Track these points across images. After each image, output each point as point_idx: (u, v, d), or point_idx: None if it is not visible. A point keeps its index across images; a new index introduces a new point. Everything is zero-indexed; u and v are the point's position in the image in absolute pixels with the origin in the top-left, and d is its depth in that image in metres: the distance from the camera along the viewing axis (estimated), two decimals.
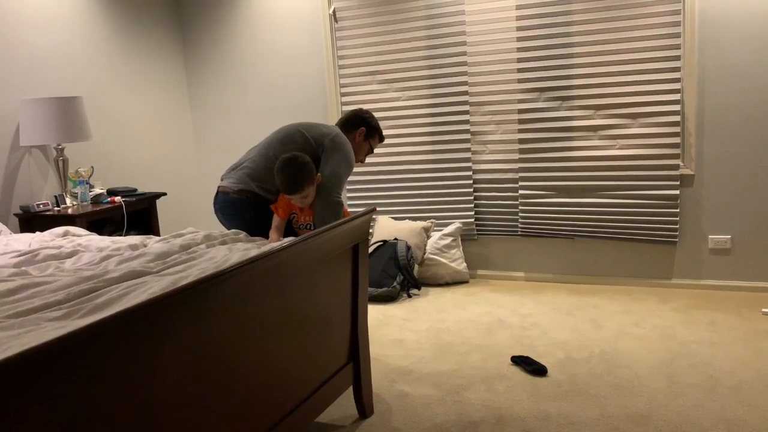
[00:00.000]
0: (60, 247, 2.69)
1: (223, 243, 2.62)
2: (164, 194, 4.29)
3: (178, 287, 1.53)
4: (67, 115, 3.76)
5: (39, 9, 4.01)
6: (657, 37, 3.89)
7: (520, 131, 4.31)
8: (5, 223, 3.81)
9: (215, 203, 3.07)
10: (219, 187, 3.08)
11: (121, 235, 4.02)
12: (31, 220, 3.77)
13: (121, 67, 4.61)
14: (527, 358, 3.09)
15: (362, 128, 3.25)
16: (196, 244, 2.58)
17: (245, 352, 1.87)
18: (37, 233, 3.05)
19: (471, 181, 4.51)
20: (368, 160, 4.70)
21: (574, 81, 4.13)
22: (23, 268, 2.34)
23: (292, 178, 2.81)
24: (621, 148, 4.09)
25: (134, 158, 4.70)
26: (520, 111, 4.29)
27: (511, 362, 3.12)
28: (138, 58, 4.76)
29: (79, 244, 2.76)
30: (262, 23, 4.89)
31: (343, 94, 4.73)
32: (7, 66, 3.81)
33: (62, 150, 3.90)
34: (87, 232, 3.11)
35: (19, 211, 3.79)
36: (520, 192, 4.37)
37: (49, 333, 1.56)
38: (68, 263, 2.42)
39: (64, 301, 1.90)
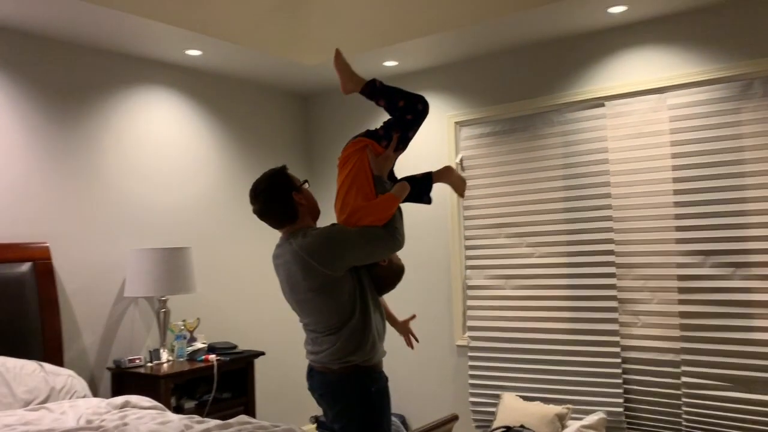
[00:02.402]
0: (99, 428, 2.36)
1: None
2: (262, 353, 3.94)
3: None
4: (172, 266, 3.62)
5: (151, 163, 4.05)
6: None
7: (681, 302, 3.48)
8: (100, 378, 3.64)
9: (314, 382, 2.46)
10: (313, 364, 2.44)
11: (209, 398, 3.69)
12: (123, 376, 3.57)
13: (234, 216, 4.50)
14: None
15: (291, 191, 2.45)
16: None
17: None
18: (95, 401, 2.77)
19: (619, 360, 3.67)
20: (490, 324, 4.07)
21: (751, 243, 3.28)
22: None
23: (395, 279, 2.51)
24: None
25: (238, 312, 4.42)
26: (680, 278, 3.48)
27: None
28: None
29: (125, 425, 2.42)
30: None
31: (468, 248, 4.22)
32: (118, 217, 3.79)
33: (165, 302, 3.74)
34: (150, 403, 2.79)
35: (113, 366, 3.61)
36: (683, 380, 3.44)
37: None
38: None
39: None
